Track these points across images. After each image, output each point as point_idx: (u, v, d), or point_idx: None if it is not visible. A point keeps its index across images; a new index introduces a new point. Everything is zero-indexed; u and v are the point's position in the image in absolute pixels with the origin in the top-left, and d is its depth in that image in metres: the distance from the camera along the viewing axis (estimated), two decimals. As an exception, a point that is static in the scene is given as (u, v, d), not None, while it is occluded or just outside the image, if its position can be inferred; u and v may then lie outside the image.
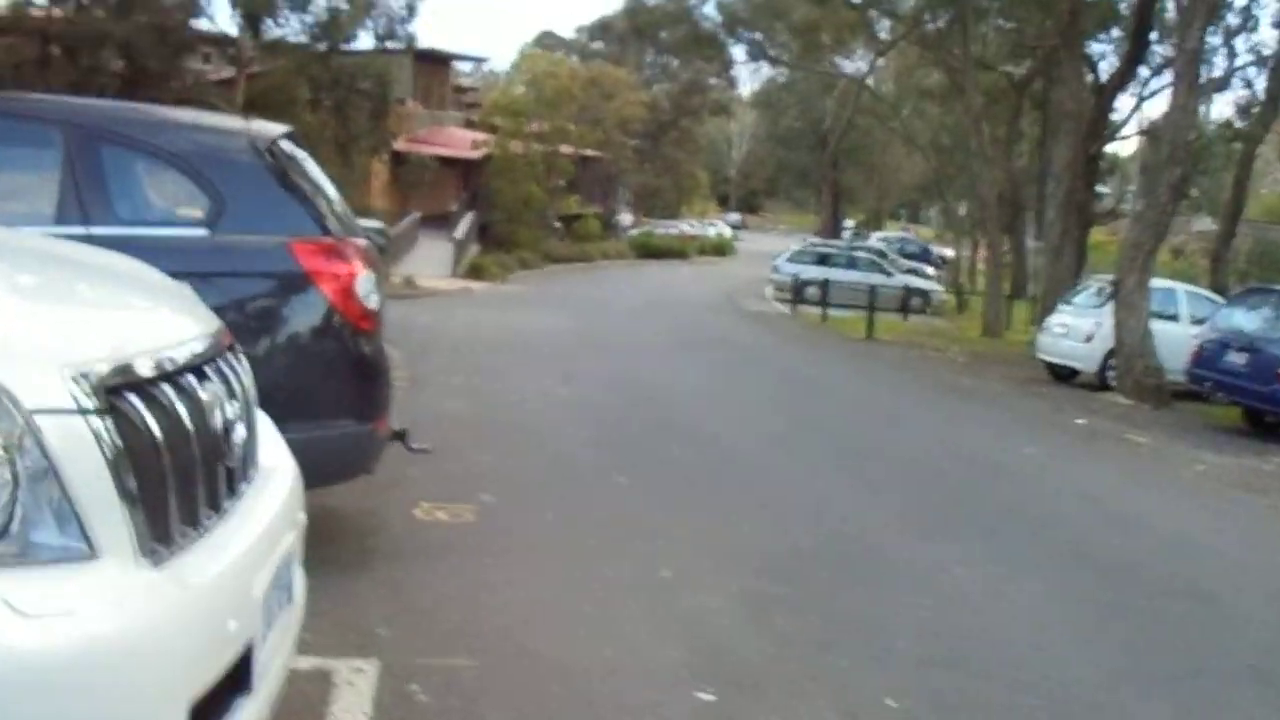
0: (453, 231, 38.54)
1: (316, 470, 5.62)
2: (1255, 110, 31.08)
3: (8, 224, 3.78)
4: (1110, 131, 31.98)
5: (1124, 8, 33.52)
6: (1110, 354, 18.91)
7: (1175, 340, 18.31)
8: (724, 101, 78.31)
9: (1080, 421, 14.99)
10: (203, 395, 2.36)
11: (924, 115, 48.15)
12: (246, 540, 2.43)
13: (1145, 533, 8.64)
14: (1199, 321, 19.32)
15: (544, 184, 46.32)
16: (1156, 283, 18.95)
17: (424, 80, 50.52)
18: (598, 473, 8.84)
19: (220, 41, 32.11)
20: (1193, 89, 17.59)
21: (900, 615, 5.90)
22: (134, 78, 26.97)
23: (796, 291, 33.24)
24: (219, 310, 5.25)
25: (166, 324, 2.59)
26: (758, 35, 50.30)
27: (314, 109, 30.78)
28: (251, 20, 29.68)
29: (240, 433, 2.53)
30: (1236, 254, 37.16)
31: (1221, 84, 29.64)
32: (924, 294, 37.96)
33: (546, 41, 79.71)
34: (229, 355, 2.75)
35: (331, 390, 5.44)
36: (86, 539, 1.95)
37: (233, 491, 2.49)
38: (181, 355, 2.38)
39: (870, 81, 51.00)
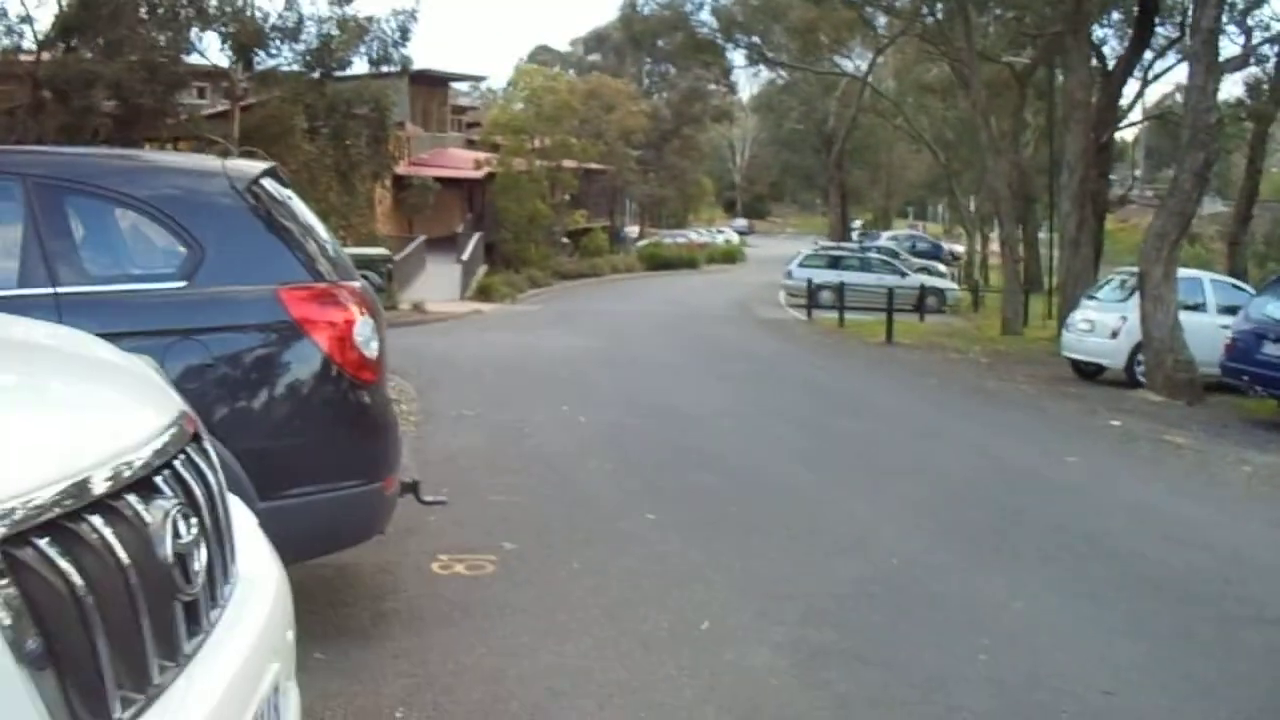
0: (460, 253, 38.18)
1: (322, 536, 5.19)
2: (1266, 88, 30.55)
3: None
4: (1118, 117, 31.45)
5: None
6: (1137, 349, 18.41)
7: (1203, 331, 17.83)
8: (725, 107, 77.91)
9: (1115, 423, 14.48)
10: (148, 518, 1.89)
11: (928, 110, 47.64)
12: (216, 693, 1.95)
13: (1204, 550, 8.11)
14: (1226, 311, 18.84)
15: (549, 200, 46.00)
16: (1180, 272, 18.41)
17: (422, 102, 50.28)
18: (624, 509, 8.36)
19: (213, 75, 31.75)
20: (1211, 69, 17.03)
21: (960, 662, 5.41)
22: (127, 117, 26.63)
23: (811, 297, 32.73)
24: (202, 370, 4.86)
25: (104, 428, 2.09)
26: (755, 39, 49.79)
27: (312, 138, 30.36)
28: (242, 52, 29.30)
29: (202, 557, 2.05)
30: (1253, 236, 36.72)
31: (1241, 63, 28.97)
32: (939, 293, 37.45)
33: (542, 57, 79.31)
34: (193, 449, 2.27)
35: (333, 449, 4.98)
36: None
37: (197, 628, 2.02)
38: (123, 470, 1.91)
39: (871, 79, 50.44)
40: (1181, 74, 44.98)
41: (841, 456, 11.24)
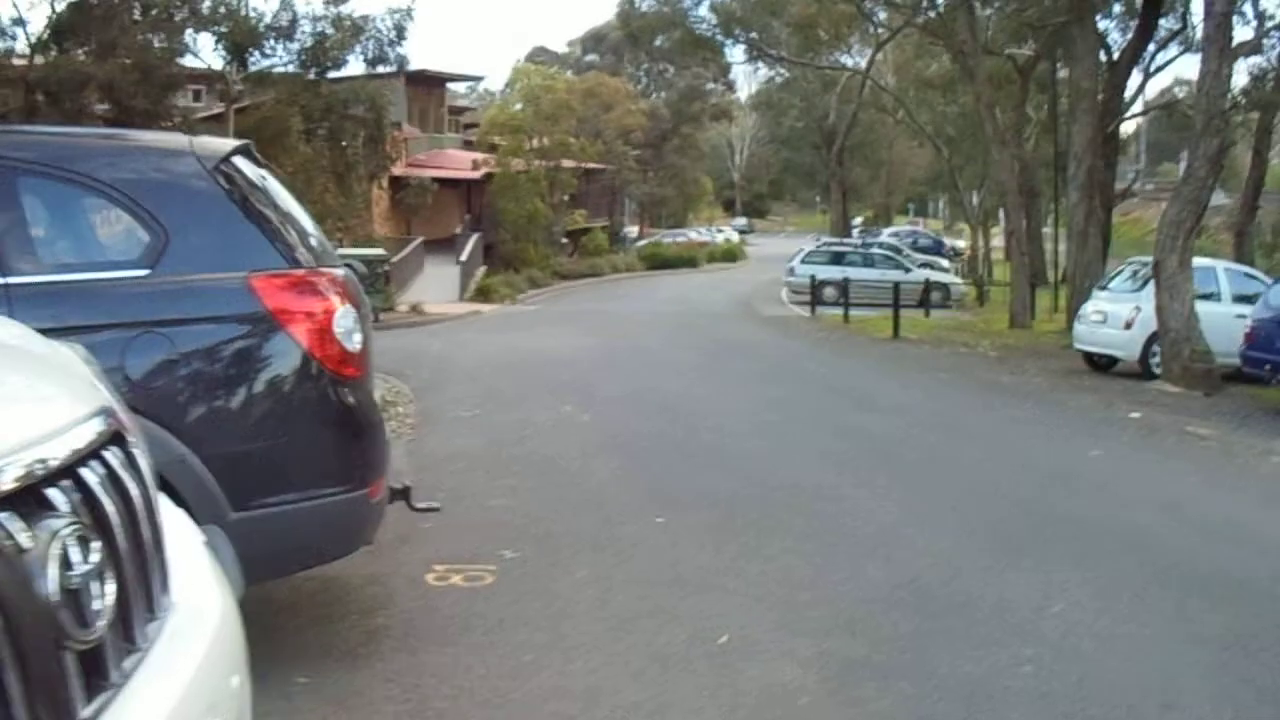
0: (458, 254, 37.78)
1: (302, 550, 4.70)
2: (1271, 77, 30.08)
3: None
4: (1123, 108, 31.02)
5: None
6: (1152, 340, 17.98)
7: (1218, 320, 17.47)
8: (724, 106, 77.51)
9: (1135, 415, 14.03)
10: (25, 542, 1.44)
11: (929, 105, 47.19)
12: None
13: (1242, 544, 7.69)
14: (1241, 299, 18.50)
15: (548, 200, 45.58)
16: (1194, 260, 17.96)
17: (419, 103, 49.91)
18: (632, 512, 7.90)
19: (208, 77, 31.32)
20: (1224, 54, 16.59)
21: (1003, 674, 4.97)
22: (121, 119, 26.16)
23: (814, 293, 32.27)
24: (166, 366, 4.32)
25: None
26: (754, 34, 49.35)
27: (308, 139, 29.94)
28: (237, 52, 28.84)
29: (107, 591, 1.60)
30: (1260, 227, 36.35)
31: (1254, 48, 28.48)
32: (944, 288, 36.95)
33: (539, 58, 78.89)
34: (114, 454, 1.82)
35: (312, 453, 4.51)
36: None
37: (100, 683, 1.56)
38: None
39: (872, 74, 50.00)
40: (1182, 66, 44.70)
41: (858, 454, 10.78)
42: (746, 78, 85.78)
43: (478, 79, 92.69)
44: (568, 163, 47.15)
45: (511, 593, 5.96)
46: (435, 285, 34.31)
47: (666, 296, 37.65)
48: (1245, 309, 18.12)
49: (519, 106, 49.15)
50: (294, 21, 29.20)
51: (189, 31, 28.65)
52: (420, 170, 44.82)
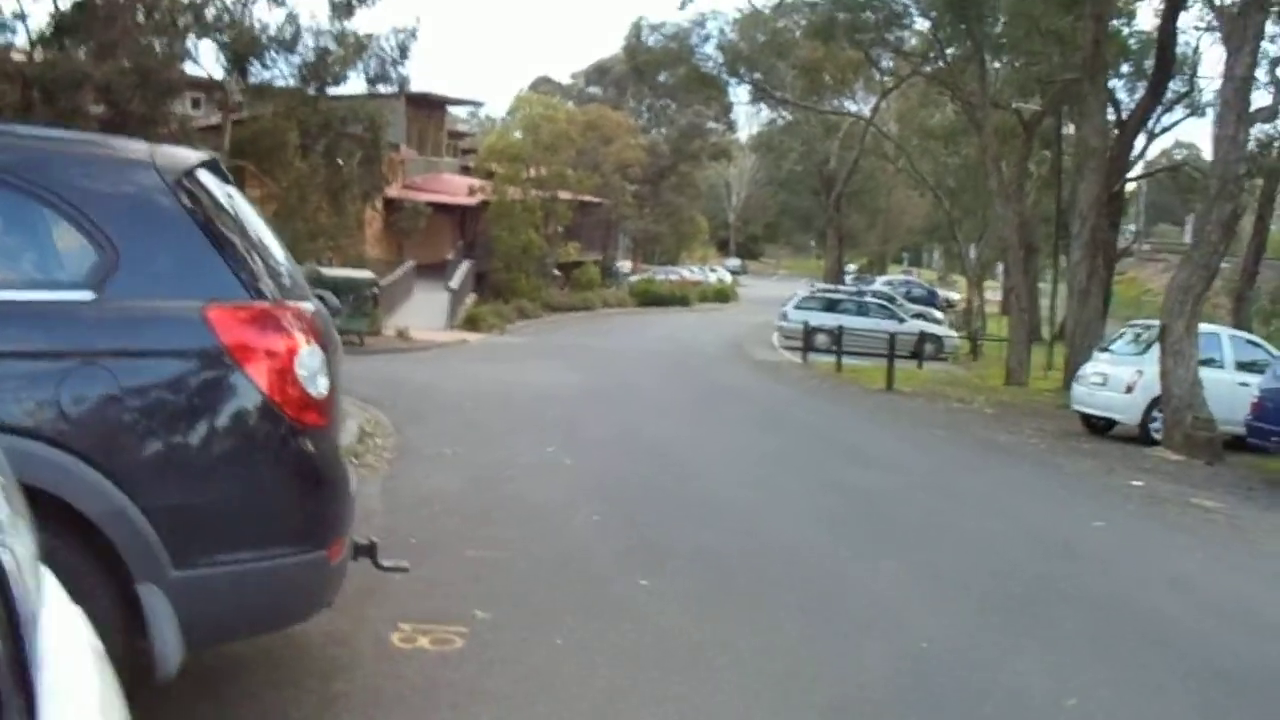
0: (449, 281, 37.33)
1: (251, 614, 4.16)
2: (1277, 144, 29.84)
3: None
4: (1129, 168, 30.76)
5: (1133, 43, 32.60)
6: (1153, 405, 17.61)
7: (1221, 388, 17.18)
8: (723, 145, 77.27)
9: (1137, 483, 13.60)
10: None
11: (932, 155, 46.97)
12: None
13: (1258, 630, 7.29)
14: (1244, 367, 18.22)
15: (542, 231, 45.19)
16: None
17: (419, 125, 49.58)
18: (615, 572, 7.40)
19: (208, 87, 30.92)
20: (1242, 119, 16.28)
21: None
22: (116, 122, 25.69)
23: (807, 340, 31.85)
24: (106, 404, 3.66)
25: None
26: (759, 75, 49.19)
27: (305, 155, 29.49)
28: (238, 61, 28.42)
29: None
30: (1259, 293, 36.16)
31: (1270, 114, 28.18)
32: (938, 340, 36.55)
33: (543, 88, 78.61)
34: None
35: (266, 509, 4.02)
36: None
37: None
38: None
39: (875, 122, 49.82)
40: (1186, 129, 44.59)
41: (853, 514, 10.30)
42: (748, 119, 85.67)
43: (479, 104, 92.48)
44: (564, 194, 46.78)
45: (483, 660, 5.47)
46: (424, 311, 33.82)
47: (657, 335, 37.18)
48: (1248, 377, 17.84)
49: (519, 135, 48.81)
50: (297, 34, 28.83)
51: (191, 37, 28.29)
52: (416, 193, 44.41)
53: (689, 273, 68.85)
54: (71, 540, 3.68)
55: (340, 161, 30.31)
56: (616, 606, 6.58)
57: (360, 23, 41.16)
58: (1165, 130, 37.98)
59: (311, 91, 29.41)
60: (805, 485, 11.72)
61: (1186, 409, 16.29)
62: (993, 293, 55.56)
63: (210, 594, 3.86)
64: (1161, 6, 25.92)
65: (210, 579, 3.86)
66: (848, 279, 64.08)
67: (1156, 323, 18.31)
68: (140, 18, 27.13)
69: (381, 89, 31.29)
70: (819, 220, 77.98)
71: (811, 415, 19.00)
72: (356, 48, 29.80)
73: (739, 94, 57.88)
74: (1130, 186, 52.00)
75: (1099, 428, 18.83)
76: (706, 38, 51.05)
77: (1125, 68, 33.98)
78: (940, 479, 13.11)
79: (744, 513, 9.83)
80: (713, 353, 32.02)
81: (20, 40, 26.81)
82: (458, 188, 48.50)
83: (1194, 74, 35.15)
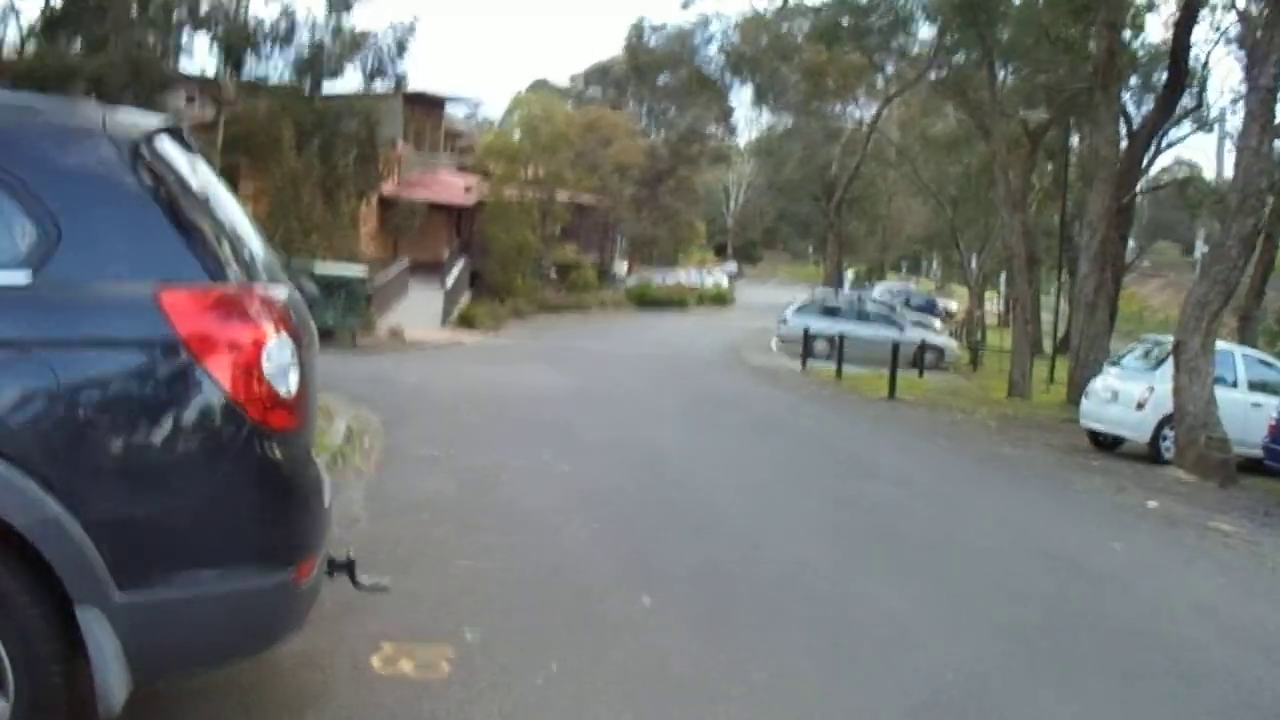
0: (444, 280, 36.86)
1: (208, 643, 3.59)
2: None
3: None
4: (1137, 180, 30.29)
5: (1142, 55, 32.20)
6: (1164, 423, 17.14)
7: (1234, 408, 16.77)
8: (723, 150, 76.79)
9: (1151, 505, 13.11)
10: None
11: (936, 162, 46.50)
12: None
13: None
14: (1258, 387, 17.81)
15: (539, 231, 44.73)
16: (1209, 344, 17.22)
17: (415, 123, 49.13)
18: (613, 587, 6.93)
19: (202, 83, 30.47)
20: (1266, 129, 15.76)
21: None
22: (107, 117, 25.25)
23: (806, 345, 31.35)
24: (43, 401, 3.14)
25: None
26: (761, 78, 48.78)
27: (299, 151, 29.07)
28: (232, 56, 27.98)
29: None
30: (1265, 312, 35.71)
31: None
32: (939, 349, 36.07)
33: (541, 91, 78.03)
34: None
35: (226, 523, 3.51)
36: None
37: None
38: None
39: (878, 128, 49.35)
40: (1188, 146, 44.29)
41: (860, 529, 9.83)
42: (748, 124, 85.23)
43: (477, 102, 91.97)
44: (561, 195, 46.30)
45: (470, 687, 4.99)
46: (418, 310, 33.34)
47: (654, 338, 36.67)
48: (1261, 397, 17.47)
49: (517, 135, 48.33)
50: (292, 28, 28.44)
51: (185, 31, 27.87)
52: (412, 191, 43.93)
53: (686, 276, 68.30)
54: (0, 557, 3.21)
55: (335, 158, 29.90)
56: (615, 627, 6.11)
57: (358, 19, 40.66)
58: (1171, 145, 37.57)
59: (307, 87, 29.00)
60: (808, 496, 11.26)
61: (1201, 428, 15.80)
62: (991, 304, 55.11)
63: (161, 620, 3.37)
64: (1176, 18, 25.49)
65: (161, 603, 3.37)
66: (846, 285, 63.60)
67: (1168, 338, 17.89)
68: (134, 11, 26.75)
69: (378, 86, 30.99)
70: (817, 226, 77.58)
71: (812, 423, 18.53)
72: (353, 43, 29.48)
73: (740, 97, 57.60)
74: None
75: (1107, 444, 18.40)
76: (709, 39, 50.68)
77: (1133, 80, 33.57)
78: (947, 493, 12.65)
79: (745, 525, 9.37)
80: (710, 358, 31.52)
81: (12, 35, 26.49)
82: (454, 186, 48.06)
83: (1203, 89, 34.71)
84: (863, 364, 28.57)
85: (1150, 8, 30.38)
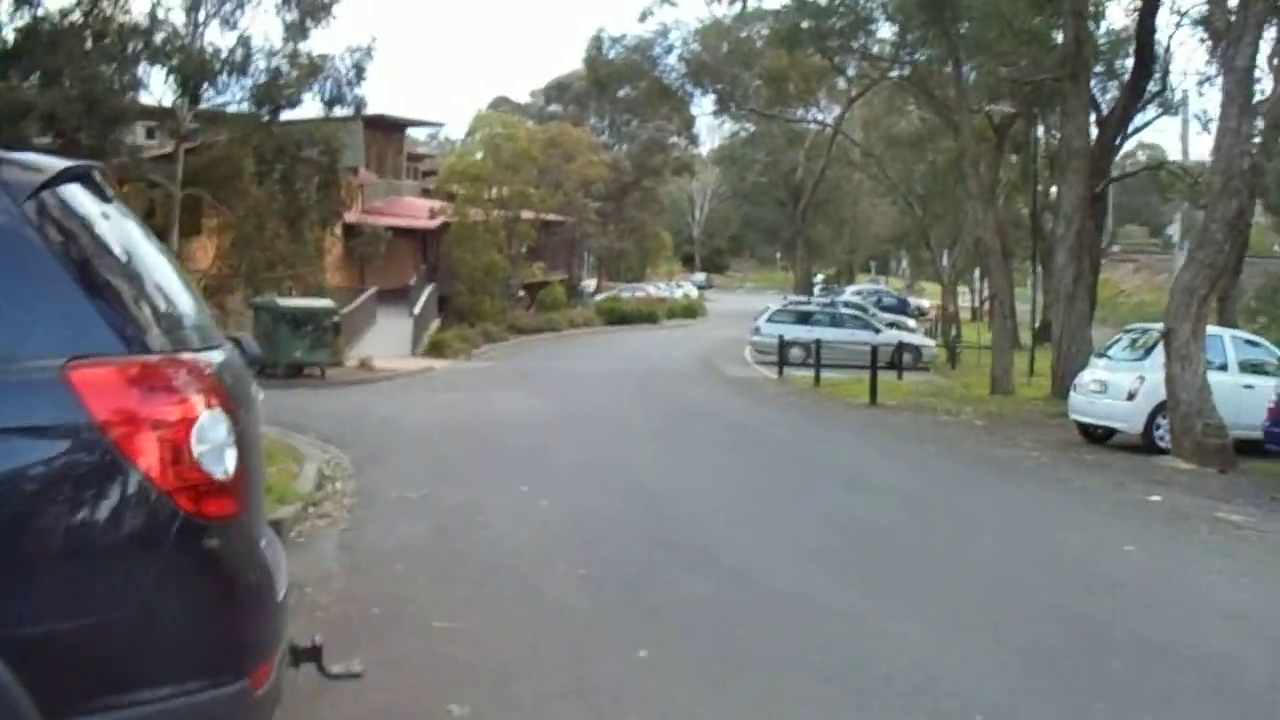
0: (412, 306, 36.36)
1: None
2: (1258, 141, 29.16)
3: None
4: (1109, 168, 30.04)
5: (1104, 42, 31.99)
6: (1157, 412, 16.80)
7: (1226, 391, 16.46)
8: (686, 160, 76.53)
9: (1154, 498, 12.73)
10: None
11: (902, 161, 46.22)
12: None
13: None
14: (1250, 369, 17.55)
15: (506, 251, 44.30)
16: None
17: (377, 148, 48.58)
18: (606, 640, 6.45)
19: (159, 115, 29.86)
20: (1245, 110, 15.47)
21: None
22: (62, 153, 24.59)
23: (782, 353, 30.93)
24: None
25: None
26: (723, 85, 48.41)
27: (261, 181, 28.53)
28: (188, 86, 27.38)
29: None
30: (1243, 291, 35.58)
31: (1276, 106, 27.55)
32: (916, 349, 35.70)
33: (502, 108, 77.65)
34: None
35: (163, 634, 2.96)
36: None
37: None
38: None
39: (842, 130, 49.04)
40: (1156, 128, 44.18)
41: (857, 550, 9.39)
42: (710, 132, 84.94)
43: (438, 125, 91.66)
44: (527, 214, 45.86)
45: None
46: (387, 338, 32.86)
47: (627, 354, 36.23)
48: (1252, 378, 17.20)
49: (479, 155, 47.84)
50: (248, 56, 27.89)
51: (142, 64, 27.29)
52: (376, 218, 43.33)
53: (655, 289, 68.04)
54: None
55: (298, 187, 29.37)
56: (613, 688, 5.62)
57: (315, 44, 40.16)
58: (1138, 130, 37.35)
59: (265, 116, 28.51)
60: (799, 518, 10.81)
61: (1196, 415, 15.47)
62: (964, 299, 54.90)
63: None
64: (1140, 3, 25.26)
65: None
66: (816, 289, 63.38)
67: (1155, 326, 17.57)
68: (88, 44, 26.20)
69: (338, 111, 30.41)
70: (784, 232, 77.38)
71: (794, 435, 18.10)
72: (310, 69, 28.91)
73: (702, 106, 57.20)
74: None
75: (1098, 437, 18.05)
76: (669, 49, 50.23)
77: (1097, 68, 33.36)
78: (941, 502, 12.24)
79: (736, 555, 8.88)
80: (685, 370, 31.11)
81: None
82: (419, 211, 47.60)
83: (1166, 73, 34.51)
84: (840, 369, 28.21)
85: (1111, -7, 30.30)
